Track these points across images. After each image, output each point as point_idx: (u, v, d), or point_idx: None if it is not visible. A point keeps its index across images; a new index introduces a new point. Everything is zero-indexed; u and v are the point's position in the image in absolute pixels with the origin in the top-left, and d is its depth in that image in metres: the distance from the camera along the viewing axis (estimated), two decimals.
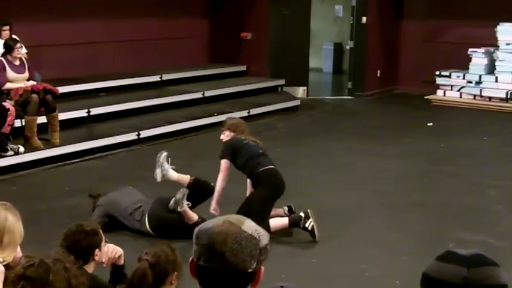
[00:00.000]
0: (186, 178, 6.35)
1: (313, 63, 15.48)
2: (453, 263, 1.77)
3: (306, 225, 6.27)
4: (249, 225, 1.91)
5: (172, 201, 6.08)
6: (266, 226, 6.00)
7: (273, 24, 13.64)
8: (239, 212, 5.87)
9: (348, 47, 15.08)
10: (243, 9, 13.84)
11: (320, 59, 17.93)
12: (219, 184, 6.37)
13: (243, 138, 6.48)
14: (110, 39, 11.88)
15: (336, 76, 17.52)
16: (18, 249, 3.38)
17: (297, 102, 12.79)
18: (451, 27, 14.17)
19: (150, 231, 6.23)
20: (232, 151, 6.37)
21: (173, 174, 6.35)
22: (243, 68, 13.79)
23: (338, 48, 18.00)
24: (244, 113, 11.50)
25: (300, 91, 13.86)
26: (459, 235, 6.43)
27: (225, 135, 6.57)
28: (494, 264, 1.80)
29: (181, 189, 6.17)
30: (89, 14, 11.48)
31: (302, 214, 6.33)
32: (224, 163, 6.35)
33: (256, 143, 6.50)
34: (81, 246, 3.81)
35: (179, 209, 6.05)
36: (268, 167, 6.31)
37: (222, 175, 6.37)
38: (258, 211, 6.03)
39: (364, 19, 14.18)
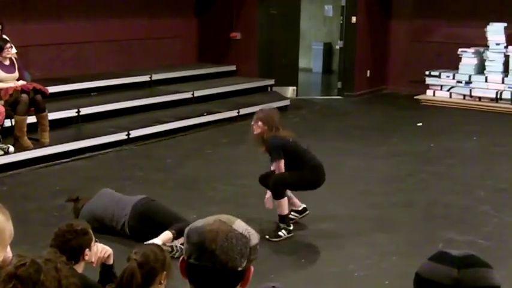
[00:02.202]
0: (168, 235, 5.95)
1: (302, 63, 15.50)
2: (444, 263, 1.78)
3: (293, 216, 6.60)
4: (240, 225, 1.93)
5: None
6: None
7: (263, 24, 13.65)
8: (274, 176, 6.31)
9: (337, 47, 15.10)
10: (232, 9, 13.85)
11: (309, 59, 17.95)
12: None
13: (288, 138, 6.52)
14: (99, 39, 11.86)
15: (325, 76, 17.55)
16: (8, 249, 3.37)
17: (286, 102, 12.80)
18: (440, 27, 14.22)
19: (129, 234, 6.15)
20: (284, 150, 6.40)
21: (157, 241, 5.78)
22: (233, 68, 13.79)
23: (327, 48, 18.03)
24: (234, 113, 11.52)
25: (290, 91, 13.88)
26: (448, 235, 6.46)
27: (258, 126, 6.45)
28: (486, 265, 1.80)
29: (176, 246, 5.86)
30: (78, 14, 11.46)
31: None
32: (282, 164, 6.35)
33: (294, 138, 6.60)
34: (72, 246, 3.82)
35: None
36: (319, 163, 6.54)
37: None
38: (289, 178, 6.34)
39: (354, 19, 14.21)
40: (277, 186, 6.34)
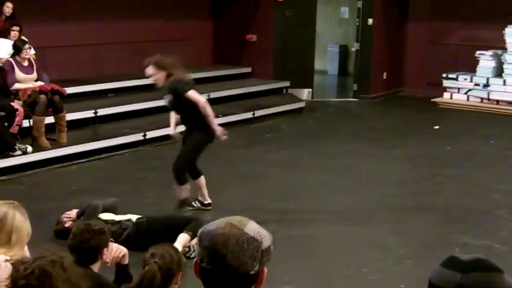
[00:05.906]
0: (186, 238, 5.88)
1: (318, 65, 15.49)
2: (450, 268, 1.77)
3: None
4: (252, 227, 1.91)
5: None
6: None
7: (278, 26, 13.67)
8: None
9: (353, 49, 15.09)
10: (247, 11, 13.87)
11: (325, 61, 17.94)
12: (211, 111, 6.66)
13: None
14: (115, 41, 11.93)
15: (341, 78, 17.53)
16: (26, 247, 3.42)
17: (301, 104, 12.81)
18: (457, 29, 14.15)
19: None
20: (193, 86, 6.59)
21: (177, 245, 5.66)
22: (248, 69, 13.81)
23: (343, 50, 18.01)
24: (249, 115, 11.54)
25: (305, 93, 13.88)
26: (463, 239, 6.44)
27: (157, 75, 6.76)
28: (494, 269, 1.78)
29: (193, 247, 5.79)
30: (94, 16, 11.53)
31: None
32: (196, 93, 6.62)
33: None
34: (90, 245, 3.84)
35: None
36: None
37: (205, 103, 6.65)
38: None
39: (370, 21, 14.19)
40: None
